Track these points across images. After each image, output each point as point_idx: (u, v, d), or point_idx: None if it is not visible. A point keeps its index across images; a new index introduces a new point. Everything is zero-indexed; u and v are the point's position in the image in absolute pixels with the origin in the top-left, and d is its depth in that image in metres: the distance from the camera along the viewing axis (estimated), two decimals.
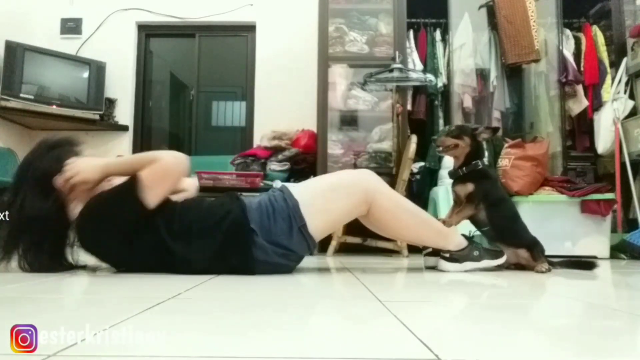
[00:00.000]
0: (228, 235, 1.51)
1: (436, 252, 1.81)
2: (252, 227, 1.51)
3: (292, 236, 1.53)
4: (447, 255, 1.76)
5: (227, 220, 1.52)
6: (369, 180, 1.65)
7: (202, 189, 3.02)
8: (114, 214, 1.48)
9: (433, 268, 1.82)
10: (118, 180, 1.54)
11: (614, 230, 3.07)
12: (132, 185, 1.46)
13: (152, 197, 1.46)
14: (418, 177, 3.49)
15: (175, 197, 1.66)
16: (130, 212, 1.47)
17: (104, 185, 1.55)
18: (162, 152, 1.53)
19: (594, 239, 2.89)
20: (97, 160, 1.55)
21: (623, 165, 3.28)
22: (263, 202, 1.57)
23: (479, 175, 1.90)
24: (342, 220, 1.69)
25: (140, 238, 1.50)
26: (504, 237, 1.91)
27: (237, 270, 1.54)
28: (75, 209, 1.53)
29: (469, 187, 1.88)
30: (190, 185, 1.84)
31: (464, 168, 1.92)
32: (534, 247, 1.87)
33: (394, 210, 1.67)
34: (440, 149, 1.96)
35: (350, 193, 1.61)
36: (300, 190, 1.61)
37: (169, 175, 1.52)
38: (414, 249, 2.98)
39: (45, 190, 1.50)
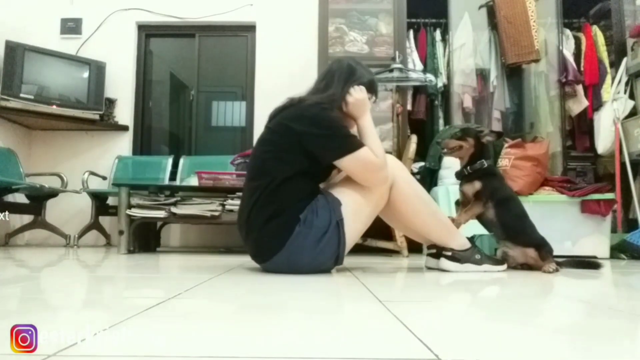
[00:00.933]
0: (283, 215, 1.57)
1: (438, 254, 1.81)
2: (299, 217, 1.55)
3: (329, 229, 1.56)
4: (449, 253, 1.76)
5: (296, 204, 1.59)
6: (390, 165, 1.68)
7: (202, 189, 3.03)
8: (314, 135, 1.58)
9: (433, 269, 1.82)
10: (354, 129, 1.70)
11: (614, 230, 3.07)
12: (355, 143, 1.58)
13: (342, 162, 1.57)
14: (418, 177, 3.48)
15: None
16: (322, 144, 1.58)
17: (349, 121, 1.69)
18: (388, 163, 1.65)
19: (594, 239, 2.89)
20: (366, 108, 1.70)
21: (623, 165, 3.28)
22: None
23: (486, 173, 1.92)
24: (372, 214, 1.71)
25: (277, 167, 1.60)
26: (512, 235, 1.91)
27: (260, 247, 1.61)
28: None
29: (477, 185, 1.90)
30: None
31: (468, 167, 1.94)
32: (542, 246, 1.87)
33: (410, 195, 1.71)
34: (445, 150, 1.99)
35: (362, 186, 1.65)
36: (339, 192, 1.65)
37: (368, 176, 1.62)
38: (414, 249, 2.98)
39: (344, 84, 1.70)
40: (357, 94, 1.68)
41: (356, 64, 1.78)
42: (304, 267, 1.60)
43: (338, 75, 1.72)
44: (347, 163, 1.58)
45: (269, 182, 1.58)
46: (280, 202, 1.57)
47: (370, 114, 1.72)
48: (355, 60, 1.81)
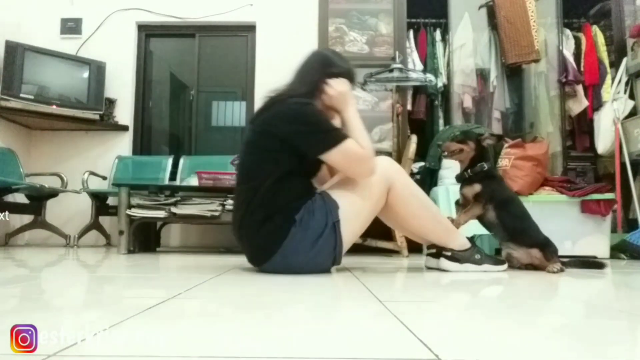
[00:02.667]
0: (276, 216, 1.56)
1: (438, 254, 1.81)
2: (295, 218, 1.55)
3: (325, 231, 1.55)
4: (449, 254, 1.76)
5: (289, 204, 1.58)
6: (387, 168, 1.68)
7: (202, 189, 3.03)
8: (298, 132, 1.56)
9: (433, 269, 1.82)
10: (337, 121, 1.66)
11: (614, 230, 3.07)
12: (339, 136, 1.56)
13: (328, 155, 1.56)
14: (418, 177, 3.49)
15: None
16: (306, 140, 1.57)
17: (332, 114, 1.67)
18: (385, 166, 1.65)
19: (594, 239, 2.89)
20: (349, 100, 1.67)
21: (623, 165, 3.28)
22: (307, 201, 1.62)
23: (486, 176, 1.94)
24: (370, 215, 1.69)
25: (266, 167, 1.59)
26: (515, 236, 1.92)
27: (256, 251, 1.61)
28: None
29: (476, 187, 1.91)
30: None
31: (469, 170, 1.95)
32: (546, 247, 1.88)
33: (408, 197, 1.70)
34: (446, 153, 1.99)
35: (373, 185, 1.63)
36: (337, 194, 1.63)
37: (355, 168, 1.60)
38: (414, 249, 2.98)
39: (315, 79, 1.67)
40: (339, 87, 1.66)
41: (333, 54, 1.79)
42: (301, 269, 1.59)
43: (315, 66, 1.71)
44: (332, 157, 1.57)
45: (259, 185, 1.57)
46: (273, 205, 1.56)
47: (354, 106, 1.70)
48: (331, 51, 1.83)
